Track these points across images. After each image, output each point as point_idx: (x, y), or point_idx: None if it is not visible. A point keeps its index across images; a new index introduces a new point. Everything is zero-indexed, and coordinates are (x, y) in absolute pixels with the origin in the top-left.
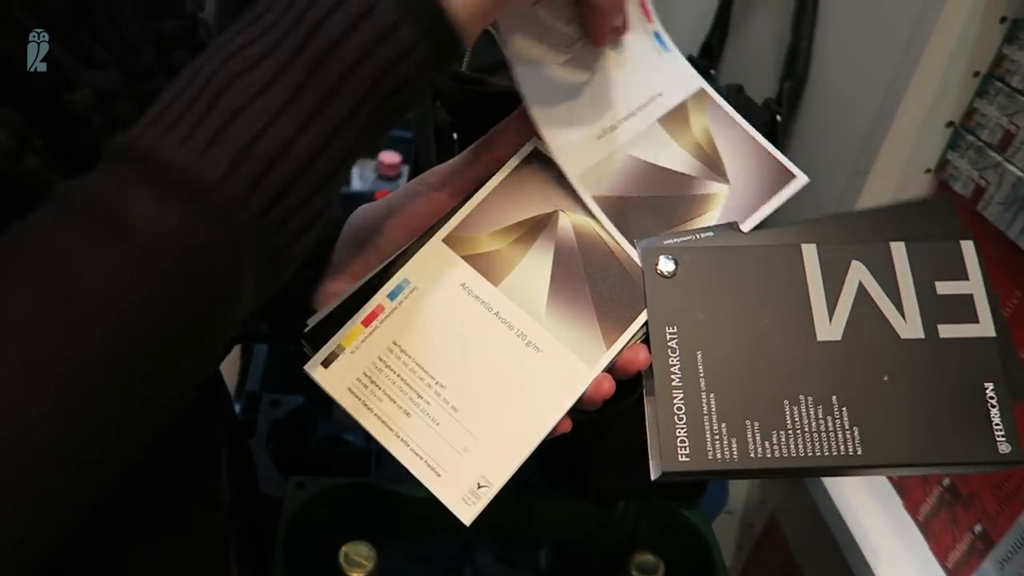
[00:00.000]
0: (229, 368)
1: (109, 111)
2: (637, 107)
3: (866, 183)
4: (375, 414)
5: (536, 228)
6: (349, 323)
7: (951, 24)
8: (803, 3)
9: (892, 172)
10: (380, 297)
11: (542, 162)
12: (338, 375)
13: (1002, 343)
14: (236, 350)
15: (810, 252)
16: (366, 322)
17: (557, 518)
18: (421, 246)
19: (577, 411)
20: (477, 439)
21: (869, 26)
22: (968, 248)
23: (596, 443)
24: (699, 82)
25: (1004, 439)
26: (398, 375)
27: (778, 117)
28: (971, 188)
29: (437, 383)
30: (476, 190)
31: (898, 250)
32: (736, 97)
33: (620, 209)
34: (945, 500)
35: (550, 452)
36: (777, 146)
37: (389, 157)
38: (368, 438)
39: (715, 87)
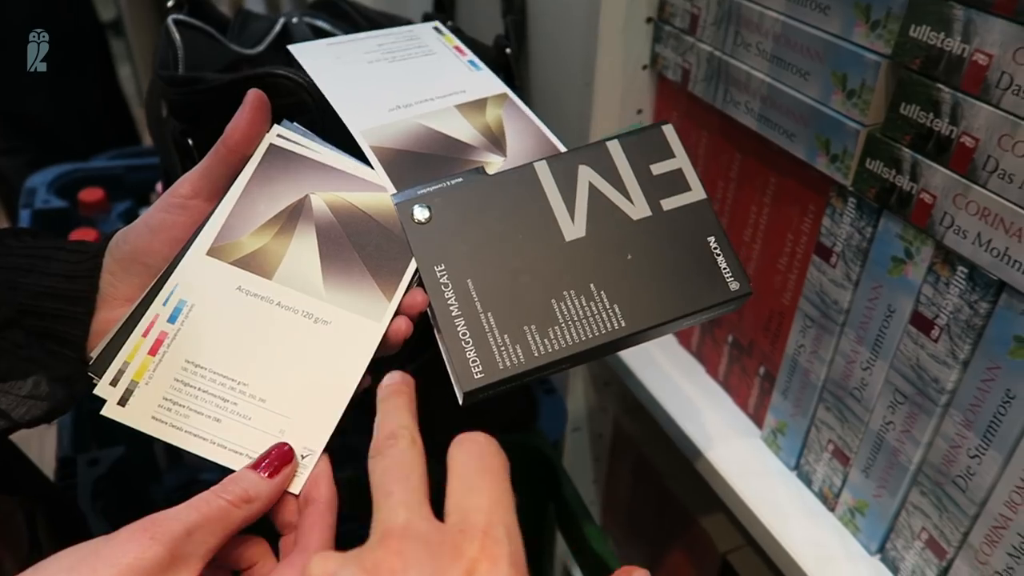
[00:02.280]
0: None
1: None
2: (437, 96)
3: (595, 92)
4: (185, 431)
5: (293, 216)
6: (130, 340)
7: None
8: None
9: (615, 76)
10: (156, 306)
11: (281, 155)
12: (138, 409)
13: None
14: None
15: (542, 168)
16: (146, 334)
17: None
18: (185, 254)
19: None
20: (290, 418)
21: None
22: (669, 130)
23: (431, 399)
24: (504, 88)
25: (732, 279)
26: (199, 388)
27: (508, 51)
28: (680, 73)
29: (239, 383)
30: (227, 191)
31: (613, 146)
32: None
33: (395, 160)
34: (734, 356)
35: None
36: (514, 78)
37: None
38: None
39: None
